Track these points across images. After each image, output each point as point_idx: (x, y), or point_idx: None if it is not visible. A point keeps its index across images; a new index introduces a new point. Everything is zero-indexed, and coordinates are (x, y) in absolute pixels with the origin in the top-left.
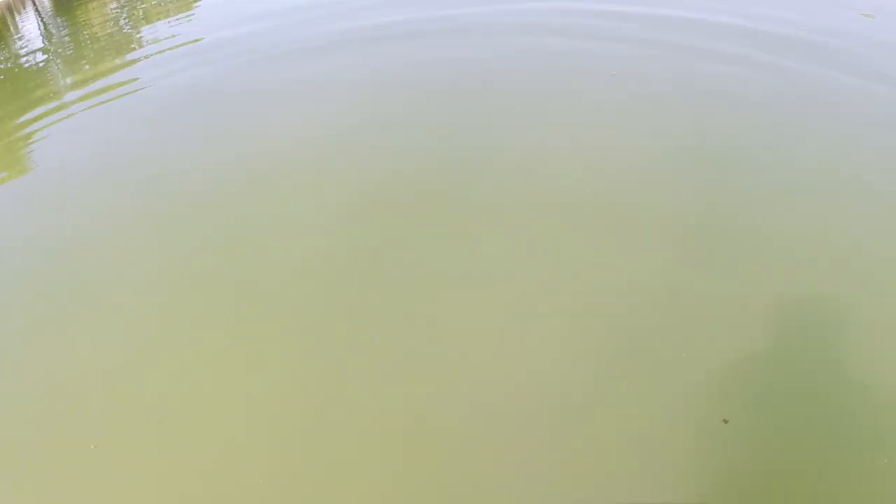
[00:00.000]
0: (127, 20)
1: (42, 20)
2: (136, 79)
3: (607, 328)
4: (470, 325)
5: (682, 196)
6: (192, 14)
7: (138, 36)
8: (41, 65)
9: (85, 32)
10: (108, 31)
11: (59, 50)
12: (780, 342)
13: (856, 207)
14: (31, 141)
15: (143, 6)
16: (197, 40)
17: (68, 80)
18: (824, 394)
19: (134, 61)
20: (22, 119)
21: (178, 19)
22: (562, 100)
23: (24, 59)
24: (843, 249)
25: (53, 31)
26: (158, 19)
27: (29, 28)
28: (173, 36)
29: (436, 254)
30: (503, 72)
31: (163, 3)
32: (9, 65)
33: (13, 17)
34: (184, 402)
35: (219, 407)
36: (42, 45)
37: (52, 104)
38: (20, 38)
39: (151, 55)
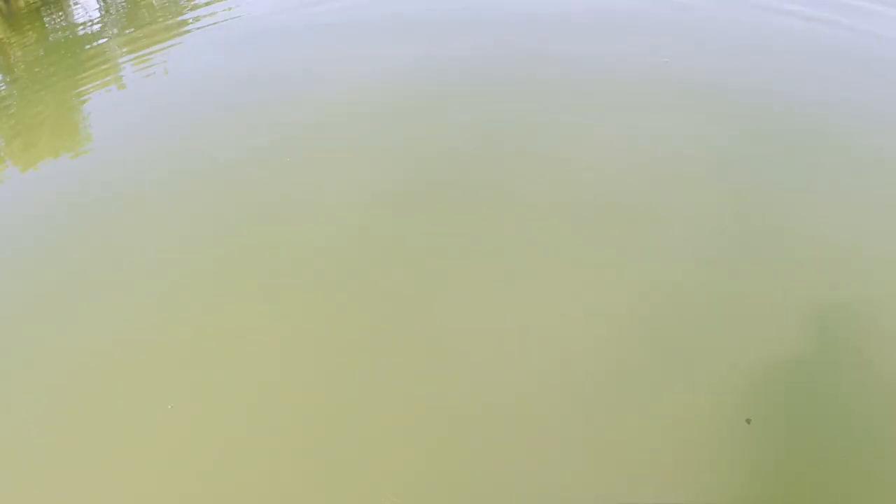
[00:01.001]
0: None
1: None
2: (178, 54)
3: (637, 326)
4: (496, 319)
5: (724, 192)
6: None
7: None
8: (96, 31)
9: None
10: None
11: (115, 17)
12: (811, 342)
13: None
14: (84, 105)
15: None
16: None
17: (122, 48)
18: (855, 396)
19: (186, 32)
20: (77, 86)
21: None
22: (608, 87)
23: (81, 27)
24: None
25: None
26: None
27: None
28: (229, 9)
29: (471, 240)
30: (548, 55)
31: None
32: (66, 33)
33: None
34: (204, 371)
35: (239, 387)
36: (98, 13)
37: (106, 70)
38: (76, 4)
39: (205, 27)
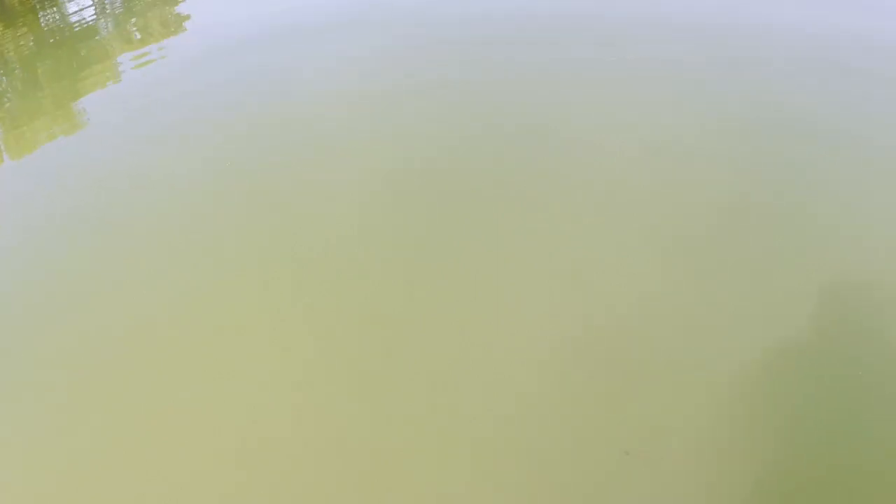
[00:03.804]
0: None
1: None
2: (176, 49)
3: (635, 322)
4: (503, 311)
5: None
6: None
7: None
8: (92, 25)
9: None
10: None
11: (110, 10)
12: (817, 341)
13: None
14: (83, 98)
15: None
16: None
17: (118, 41)
18: (868, 394)
19: (181, 29)
20: (75, 78)
21: None
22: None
23: (76, 20)
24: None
25: None
26: None
27: None
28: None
29: (487, 230)
30: (568, 38)
31: None
32: (61, 26)
33: None
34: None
35: (247, 375)
36: (93, 9)
37: (103, 64)
38: (71, 1)
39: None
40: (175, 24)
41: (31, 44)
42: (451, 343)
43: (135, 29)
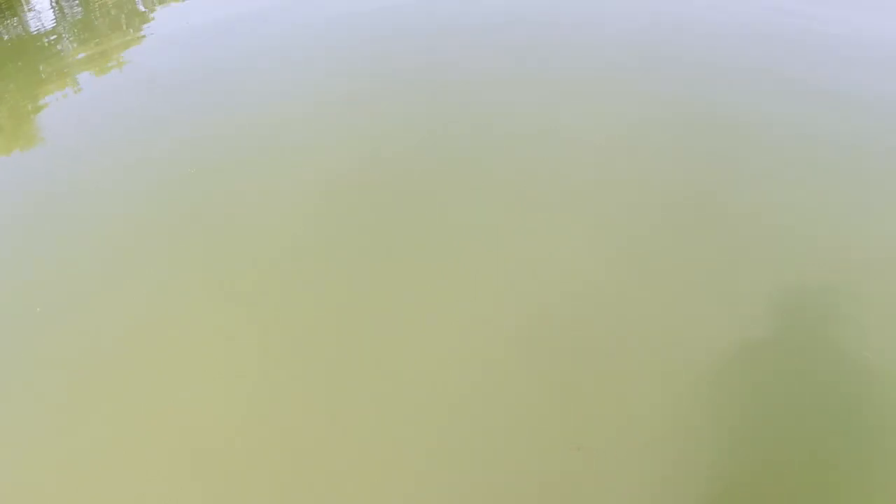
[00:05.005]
0: None
1: None
2: (135, 57)
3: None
4: (454, 313)
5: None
6: None
7: (147, 12)
8: (51, 36)
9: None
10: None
11: (69, 22)
12: (777, 335)
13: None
14: (38, 111)
15: None
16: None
17: (77, 54)
18: (825, 390)
19: (137, 40)
20: (31, 90)
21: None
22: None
23: (35, 30)
24: (843, 237)
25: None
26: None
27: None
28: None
29: (430, 234)
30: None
31: None
32: (20, 33)
33: None
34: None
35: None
36: (53, 17)
37: (59, 75)
38: (31, 10)
39: (154, 32)
40: (134, 32)
41: None
42: (409, 338)
43: (95, 40)
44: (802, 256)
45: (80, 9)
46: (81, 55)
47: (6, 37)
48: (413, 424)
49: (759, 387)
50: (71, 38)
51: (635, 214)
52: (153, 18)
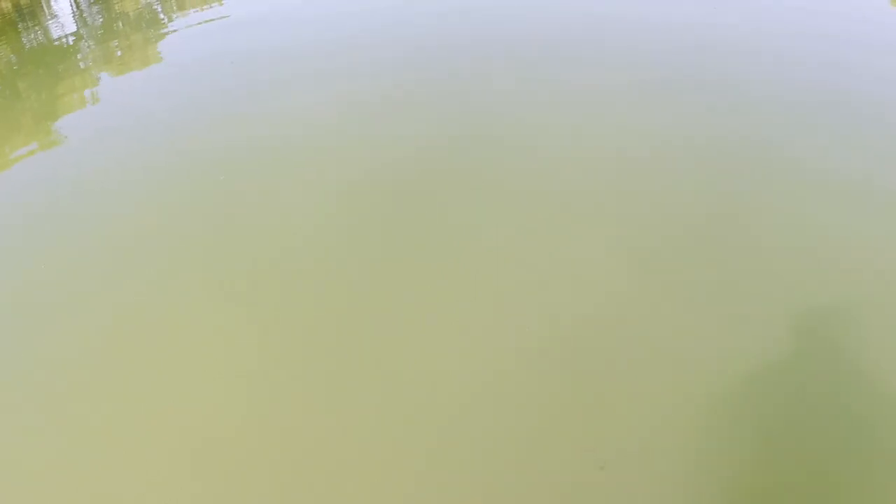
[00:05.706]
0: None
1: (76, 2)
2: (161, 60)
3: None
4: (459, 319)
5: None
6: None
7: (167, 20)
8: (71, 43)
9: (117, 11)
10: (140, 14)
11: (90, 30)
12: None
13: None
14: (58, 113)
15: None
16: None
17: (97, 60)
18: (836, 401)
19: (160, 40)
20: (52, 93)
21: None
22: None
23: (56, 38)
24: (866, 259)
25: (85, 11)
26: (192, 7)
27: (62, 8)
28: (201, 23)
29: (430, 234)
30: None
31: None
32: (42, 41)
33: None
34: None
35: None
36: (74, 26)
37: (80, 81)
38: (52, 18)
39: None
40: (153, 47)
41: (15, 60)
42: (409, 338)
43: (115, 45)
44: (824, 277)
45: (99, 17)
46: (100, 59)
47: (27, 46)
48: (413, 425)
49: (783, 407)
50: (87, 46)
51: (649, 226)
52: (171, 30)
